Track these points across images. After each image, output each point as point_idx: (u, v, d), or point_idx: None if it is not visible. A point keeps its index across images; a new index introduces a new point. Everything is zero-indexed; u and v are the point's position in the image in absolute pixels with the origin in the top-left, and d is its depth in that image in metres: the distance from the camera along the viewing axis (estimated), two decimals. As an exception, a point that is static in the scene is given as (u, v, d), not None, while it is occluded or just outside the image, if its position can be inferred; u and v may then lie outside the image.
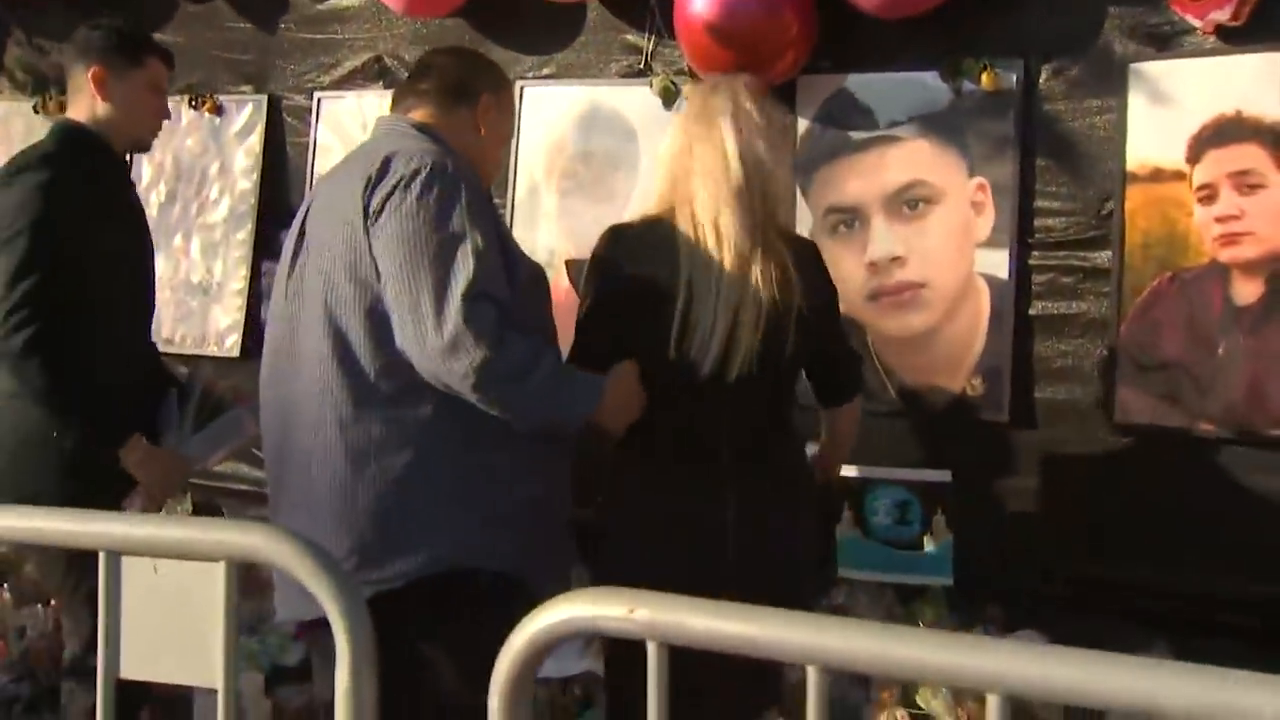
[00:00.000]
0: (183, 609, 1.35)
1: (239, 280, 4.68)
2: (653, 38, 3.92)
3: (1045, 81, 3.42)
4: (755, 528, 2.40)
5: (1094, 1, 3.34)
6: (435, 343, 2.03)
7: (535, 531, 2.27)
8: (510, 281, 2.21)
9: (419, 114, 2.40)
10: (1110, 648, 3.27)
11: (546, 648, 1.13)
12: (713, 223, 2.28)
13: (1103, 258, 3.37)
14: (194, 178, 4.80)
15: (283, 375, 2.26)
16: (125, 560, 1.38)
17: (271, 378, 2.31)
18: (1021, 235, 3.45)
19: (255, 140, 4.69)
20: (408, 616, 2.09)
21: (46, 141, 2.76)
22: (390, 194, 2.12)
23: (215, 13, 4.74)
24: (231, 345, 4.68)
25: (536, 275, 2.39)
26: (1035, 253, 3.45)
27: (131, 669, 1.38)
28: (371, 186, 2.14)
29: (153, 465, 2.69)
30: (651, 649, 1.10)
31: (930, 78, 3.54)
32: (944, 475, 3.42)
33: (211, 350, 4.64)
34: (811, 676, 1.04)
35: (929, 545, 3.43)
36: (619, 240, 2.49)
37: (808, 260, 2.47)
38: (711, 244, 2.27)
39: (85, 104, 2.78)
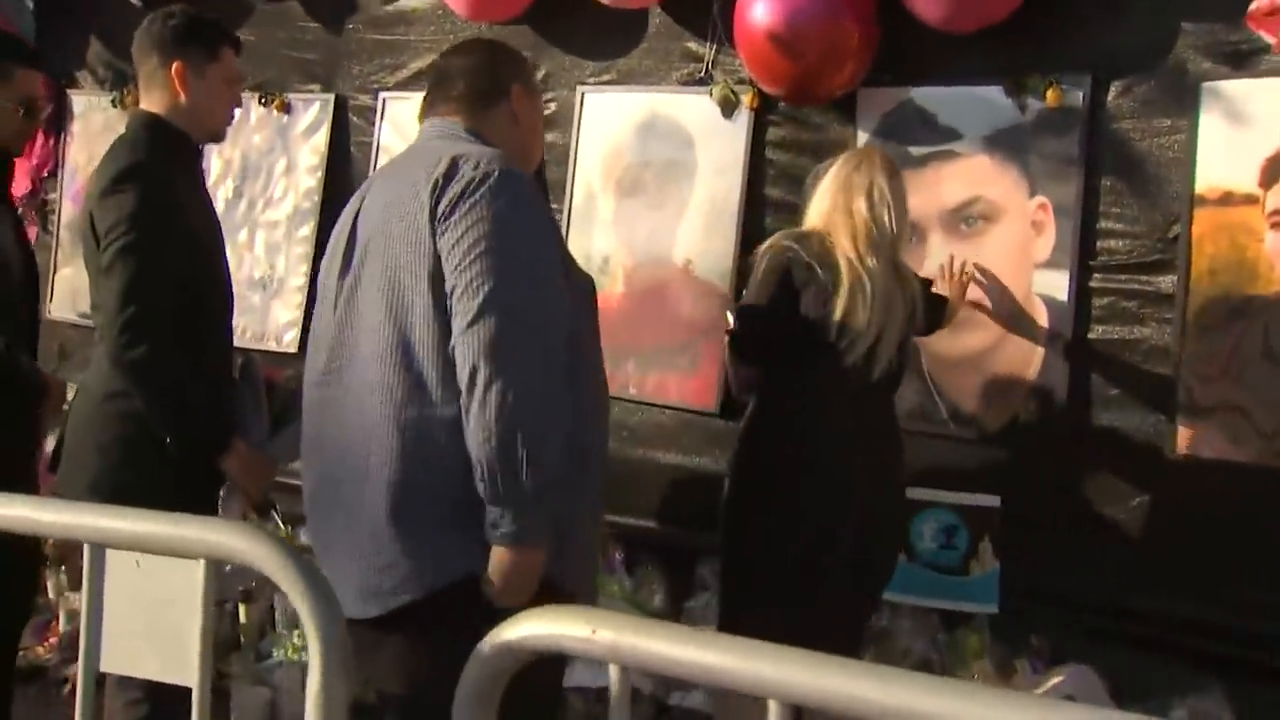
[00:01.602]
0: (163, 605, 1.34)
1: (300, 276, 4.73)
2: (714, 46, 3.88)
3: (1113, 99, 3.31)
4: (878, 502, 2.90)
5: (1166, 18, 3.23)
6: (485, 337, 2.00)
7: (580, 534, 2.26)
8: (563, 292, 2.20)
9: (458, 119, 2.38)
10: (1161, 688, 3.15)
11: (509, 666, 1.10)
12: (860, 263, 2.83)
13: (1167, 283, 3.25)
14: (260, 174, 4.86)
15: (336, 374, 2.24)
16: (109, 554, 1.38)
17: (323, 377, 2.28)
18: (1083, 257, 3.34)
19: (321, 138, 4.74)
20: (455, 616, 2.08)
21: (137, 140, 2.73)
22: (460, 195, 2.09)
23: (286, 13, 4.80)
24: (290, 341, 4.73)
25: (585, 289, 2.35)
26: (1096, 275, 3.34)
27: (112, 663, 1.38)
28: (439, 188, 2.11)
29: (250, 468, 2.71)
30: (613, 672, 1.07)
31: (994, 92, 3.45)
32: (993, 500, 3.33)
33: (271, 345, 4.69)
34: (773, 710, 0.99)
35: (975, 571, 3.34)
36: (796, 237, 2.96)
37: (924, 289, 3.10)
38: (862, 274, 2.82)
39: (163, 97, 2.77)
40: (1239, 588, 3.12)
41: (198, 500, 2.61)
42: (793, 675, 0.97)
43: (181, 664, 1.33)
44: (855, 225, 2.86)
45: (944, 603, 3.37)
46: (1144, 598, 3.24)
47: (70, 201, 5.30)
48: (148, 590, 1.35)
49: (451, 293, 2.07)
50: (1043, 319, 3.39)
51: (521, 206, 2.13)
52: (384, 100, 4.60)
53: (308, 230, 4.74)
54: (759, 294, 2.92)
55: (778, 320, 2.88)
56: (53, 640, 4.03)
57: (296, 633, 3.97)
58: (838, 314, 2.81)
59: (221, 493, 2.90)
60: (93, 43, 5.29)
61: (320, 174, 4.73)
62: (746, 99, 3.81)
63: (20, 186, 5.34)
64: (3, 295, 3.10)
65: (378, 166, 4.58)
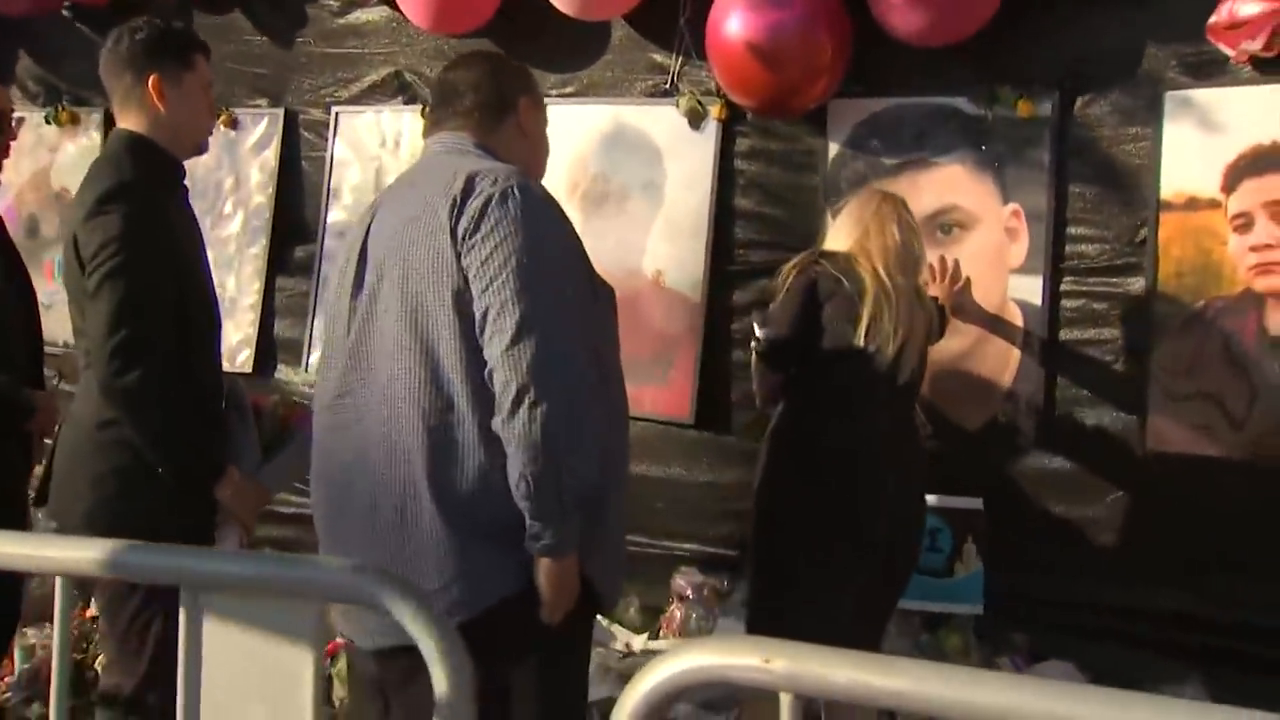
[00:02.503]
0: (267, 649, 1.30)
1: (252, 295, 4.63)
2: (680, 58, 3.89)
3: (1081, 109, 3.40)
4: (903, 504, 2.95)
5: (1132, 29, 3.34)
6: (528, 358, 1.98)
7: (613, 538, 2.25)
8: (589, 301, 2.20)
9: (467, 134, 2.33)
10: (1140, 680, 3.24)
11: (670, 698, 1.08)
12: (888, 277, 2.94)
13: (1136, 285, 3.36)
14: (208, 192, 4.73)
15: (350, 396, 2.17)
16: (208, 598, 1.33)
17: (336, 400, 2.20)
18: (1055, 262, 3.43)
19: (271, 154, 4.64)
20: (501, 637, 2.05)
21: (120, 160, 2.62)
22: (482, 213, 2.06)
23: (232, 26, 4.68)
24: (244, 360, 4.63)
25: (608, 298, 2.34)
26: (1068, 279, 3.44)
27: (211, 711, 1.33)
28: (458, 206, 2.07)
29: (244, 496, 2.62)
30: (785, 701, 1.05)
31: (964, 103, 3.53)
32: (975, 503, 3.39)
33: (225, 365, 4.55)
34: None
35: (959, 573, 3.40)
36: (821, 254, 3.07)
37: (936, 306, 3.23)
38: (890, 289, 2.93)
39: (141, 114, 2.66)
40: (1213, 579, 3.24)
41: (196, 531, 2.53)
42: (985, 697, 0.98)
43: (292, 708, 1.29)
44: (888, 246, 2.99)
45: (929, 605, 3.42)
46: (1121, 592, 3.34)
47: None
48: (250, 634, 1.31)
49: (485, 313, 2.03)
50: (1018, 323, 3.47)
51: (545, 221, 2.11)
52: (336, 114, 4.52)
53: (259, 249, 4.64)
54: (786, 304, 3.00)
55: (805, 328, 2.96)
56: (8, 679, 3.87)
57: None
58: (864, 320, 2.90)
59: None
60: (22, 57, 5.10)
61: (271, 190, 4.63)
62: (714, 110, 3.83)
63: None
64: None
65: (332, 182, 4.51)
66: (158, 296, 2.52)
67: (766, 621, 2.88)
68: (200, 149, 2.81)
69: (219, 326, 2.82)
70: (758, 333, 3.00)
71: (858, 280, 2.93)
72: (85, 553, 1.37)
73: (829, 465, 2.88)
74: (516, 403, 1.98)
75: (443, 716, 1.21)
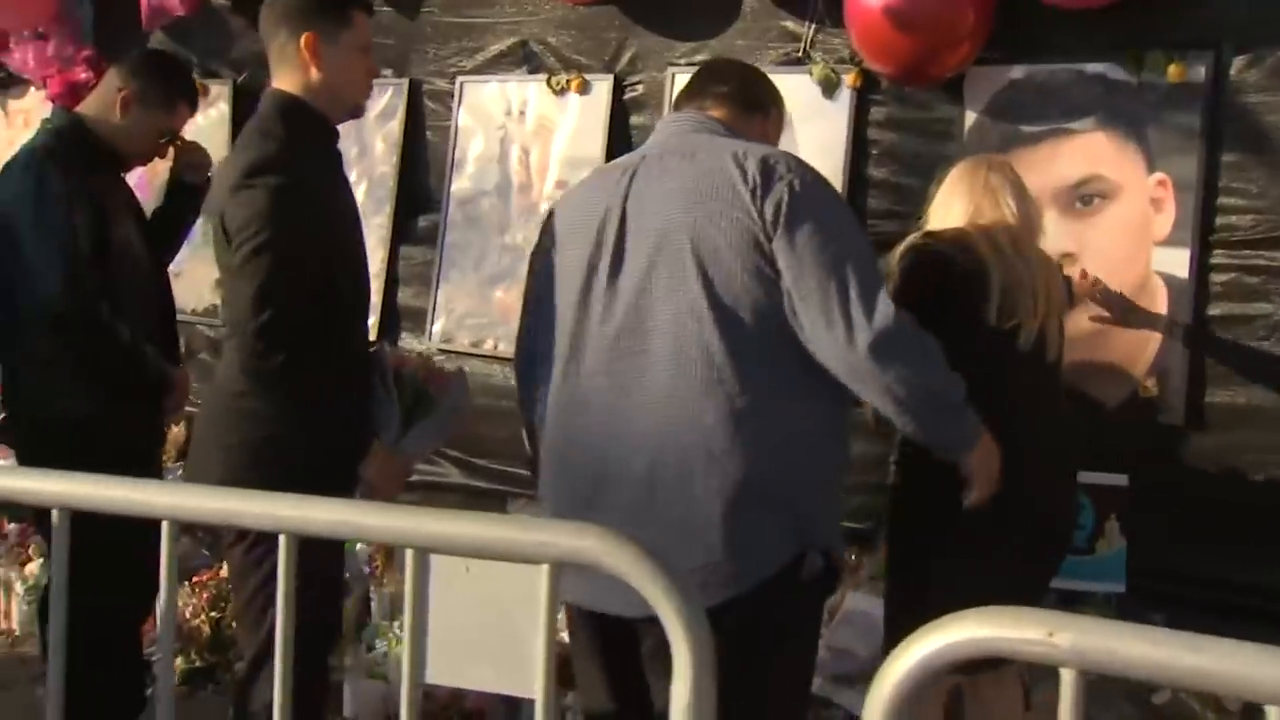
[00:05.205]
0: (497, 613, 1.31)
1: (376, 263, 4.66)
2: (813, 25, 3.84)
3: (1237, 73, 3.29)
4: (1053, 487, 2.88)
5: (1294, -11, 3.22)
6: (864, 340, 2.10)
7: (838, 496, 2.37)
8: None
9: (716, 113, 2.40)
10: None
11: (942, 670, 1.06)
12: (1015, 253, 2.81)
13: (1291, 257, 3.26)
14: (332, 161, 4.79)
15: (620, 373, 2.21)
16: (435, 559, 1.34)
17: (594, 370, 2.25)
18: (1204, 234, 3.33)
19: (395, 125, 4.68)
20: (766, 612, 2.13)
21: (270, 127, 2.56)
22: (790, 199, 2.14)
23: (357, -4, 4.72)
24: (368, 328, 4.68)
25: None
26: (1217, 252, 3.34)
27: (439, 674, 1.35)
28: (760, 188, 2.15)
29: (388, 471, 2.61)
30: (1068, 676, 1.03)
31: (1108, 69, 3.43)
32: (1120, 479, 3.32)
33: (350, 333, 4.62)
34: (1273, 717, 0.97)
35: (1102, 550, 3.34)
36: (933, 235, 2.92)
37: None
38: (1016, 265, 2.79)
39: (295, 74, 2.59)
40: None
41: None
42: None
43: (521, 674, 1.29)
44: (1008, 222, 2.88)
45: (1070, 582, 3.35)
46: (1267, 574, 3.25)
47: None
48: (480, 597, 1.32)
49: (805, 296, 2.12)
50: (1162, 297, 3.38)
51: (840, 207, 2.35)
52: (461, 84, 4.54)
53: (383, 218, 4.70)
54: (905, 295, 2.77)
55: (925, 309, 2.70)
56: (152, 633, 3.98)
57: (396, 623, 3.95)
58: (994, 299, 2.76)
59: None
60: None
61: (395, 160, 4.67)
62: (849, 78, 3.78)
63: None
64: (129, 289, 3.04)
65: (456, 152, 4.53)
66: (303, 275, 2.45)
67: (904, 608, 2.83)
68: (356, 112, 2.74)
69: (368, 299, 2.81)
70: None
71: (978, 259, 2.78)
72: (311, 511, 1.38)
73: None
74: (866, 383, 2.14)
75: (682, 691, 1.21)
